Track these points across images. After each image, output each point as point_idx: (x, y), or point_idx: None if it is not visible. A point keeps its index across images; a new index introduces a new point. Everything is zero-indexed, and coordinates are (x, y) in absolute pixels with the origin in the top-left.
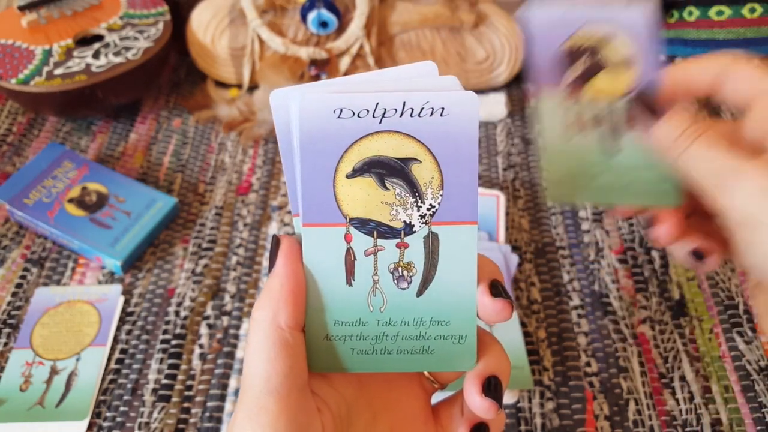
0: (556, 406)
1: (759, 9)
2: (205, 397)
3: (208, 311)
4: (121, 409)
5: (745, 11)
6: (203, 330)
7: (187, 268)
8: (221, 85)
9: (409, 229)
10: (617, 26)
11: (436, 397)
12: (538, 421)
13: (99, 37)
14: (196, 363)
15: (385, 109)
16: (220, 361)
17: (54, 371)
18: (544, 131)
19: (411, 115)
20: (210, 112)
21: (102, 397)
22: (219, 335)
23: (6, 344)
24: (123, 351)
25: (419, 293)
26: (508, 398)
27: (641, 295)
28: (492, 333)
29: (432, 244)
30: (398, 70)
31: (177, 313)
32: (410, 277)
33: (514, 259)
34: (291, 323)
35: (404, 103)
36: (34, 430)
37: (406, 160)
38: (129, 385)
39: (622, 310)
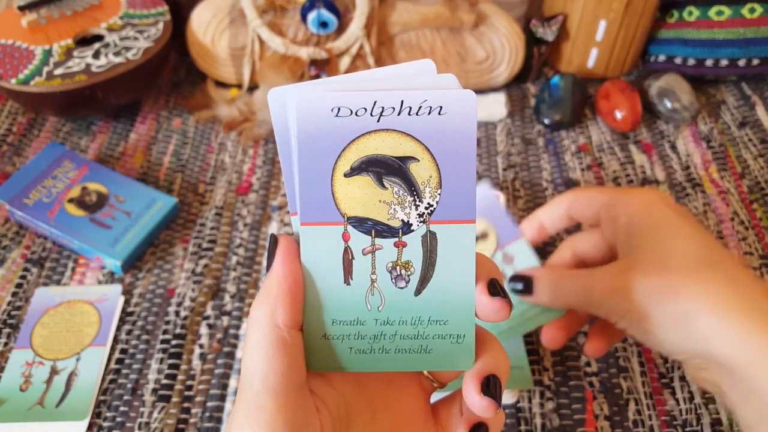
0: (556, 406)
1: (759, 9)
2: (205, 397)
3: (208, 311)
4: (121, 409)
5: (745, 11)
6: (203, 330)
7: (187, 268)
8: (221, 85)
9: (407, 228)
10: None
11: (435, 397)
12: (538, 421)
13: (99, 37)
14: (196, 363)
15: (383, 108)
16: (220, 361)
17: (54, 371)
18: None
19: (409, 114)
20: (210, 112)
21: (102, 397)
22: (219, 335)
23: (6, 344)
24: (123, 351)
25: (417, 292)
26: (508, 398)
27: None
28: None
29: (430, 243)
30: (396, 69)
31: (177, 313)
32: (408, 276)
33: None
34: (289, 322)
35: (402, 101)
36: (34, 430)
37: (404, 159)
38: (129, 385)
39: None
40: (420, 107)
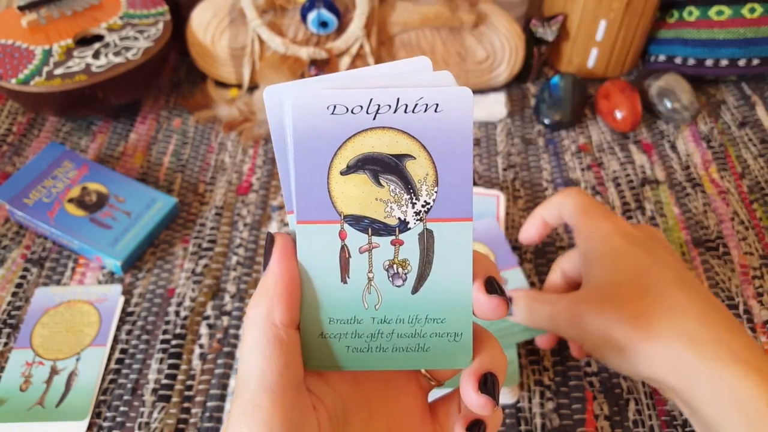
0: (556, 406)
1: (759, 9)
2: (205, 397)
3: (208, 311)
4: (121, 409)
5: (745, 11)
6: (203, 330)
7: (187, 268)
8: (221, 85)
9: (403, 226)
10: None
11: (433, 395)
12: (538, 421)
13: (99, 37)
14: (196, 363)
15: (379, 105)
16: (220, 361)
17: (54, 371)
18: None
19: (405, 111)
20: (210, 112)
21: (102, 397)
22: (219, 335)
23: (6, 344)
24: (123, 351)
25: (414, 290)
26: (508, 398)
27: None
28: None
29: (427, 241)
30: (392, 66)
31: (177, 313)
32: (405, 274)
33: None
34: (285, 321)
35: (398, 99)
36: (34, 430)
37: (401, 157)
38: (129, 385)
39: None
40: (416, 105)
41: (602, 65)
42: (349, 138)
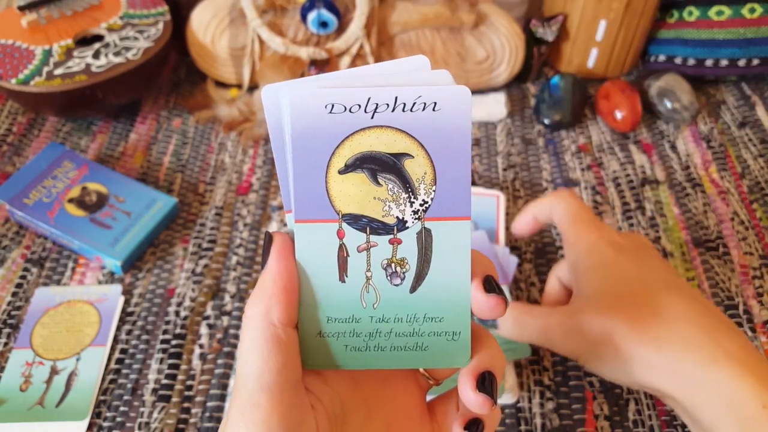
0: (556, 406)
1: (759, 9)
2: (205, 397)
3: (208, 311)
4: (121, 409)
5: (745, 11)
6: (203, 330)
7: (187, 268)
8: (221, 85)
9: (402, 224)
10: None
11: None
12: (538, 421)
13: (99, 37)
14: (196, 363)
15: (377, 104)
16: (220, 361)
17: (54, 371)
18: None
19: (403, 110)
20: (210, 112)
21: (102, 397)
22: (219, 335)
23: (6, 344)
24: (123, 351)
25: (413, 289)
26: (508, 398)
27: None
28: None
29: (425, 240)
30: (390, 65)
31: (177, 313)
32: (403, 273)
33: (513, 260)
34: (284, 320)
35: (396, 97)
36: (34, 430)
37: (399, 156)
38: (129, 385)
39: None
40: (414, 103)
41: (602, 65)
42: (347, 137)
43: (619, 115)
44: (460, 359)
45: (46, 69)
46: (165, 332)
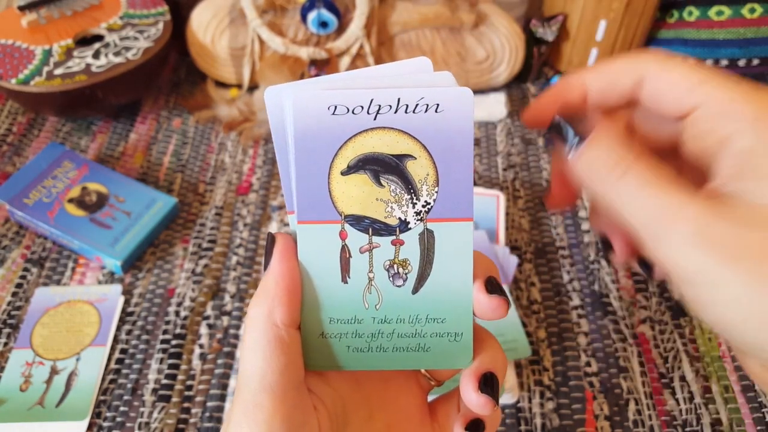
0: (556, 406)
1: (759, 9)
2: (205, 397)
3: (208, 311)
4: (121, 409)
5: (745, 11)
6: (203, 330)
7: (187, 268)
8: (221, 85)
9: (404, 226)
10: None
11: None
12: (538, 421)
13: (99, 37)
14: (196, 363)
15: (380, 106)
16: (220, 361)
17: (54, 371)
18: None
19: (406, 112)
20: (210, 112)
21: (102, 397)
22: (219, 335)
23: (6, 344)
24: (123, 351)
25: (415, 290)
26: (509, 398)
27: (641, 295)
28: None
29: (427, 241)
30: (393, 66)
31: (177, 313)
32: (405, 274)
33: (513, 260)
34: (286, 321)
35: (399, 99)
36: (34, 430)
37: (401, 157)
38: (129, 385)
39: (622, 310)
40: (417, 105)
41: None
42: (350, 138)
43: None
44: (462, 360)
45: (46, 69)
46: (165, 332)
